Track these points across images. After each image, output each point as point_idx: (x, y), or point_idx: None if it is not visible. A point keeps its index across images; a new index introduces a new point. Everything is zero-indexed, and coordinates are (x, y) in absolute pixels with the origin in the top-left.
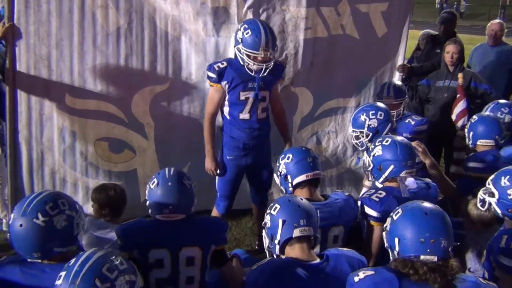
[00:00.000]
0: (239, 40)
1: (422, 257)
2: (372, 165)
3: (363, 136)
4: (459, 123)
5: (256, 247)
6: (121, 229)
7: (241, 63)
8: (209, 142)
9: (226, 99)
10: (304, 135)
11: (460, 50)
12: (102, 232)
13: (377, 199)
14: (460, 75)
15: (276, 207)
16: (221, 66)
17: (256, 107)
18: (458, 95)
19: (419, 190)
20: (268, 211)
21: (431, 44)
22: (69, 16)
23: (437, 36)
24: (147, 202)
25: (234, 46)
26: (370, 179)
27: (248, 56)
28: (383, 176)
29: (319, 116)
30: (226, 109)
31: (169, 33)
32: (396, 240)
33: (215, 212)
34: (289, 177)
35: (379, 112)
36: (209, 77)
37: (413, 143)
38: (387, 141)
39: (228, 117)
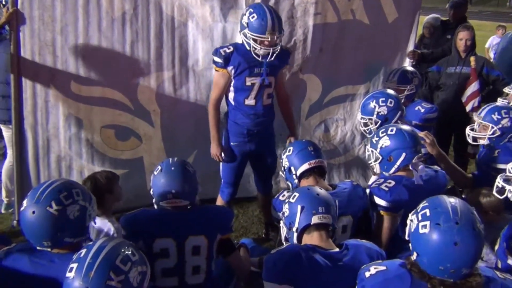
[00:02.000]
0: (245, 25)
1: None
2: (380, 157)
3: (371, 123)
4: (469, 106)
5: (263, 236)
6: (125, 219)
7: (248, 48)
8: (214, 128)
9: (232, 84)
10: (312, 122)
11: (473, 37)
12: None
13: (386, 189)
14: (472, 58)
15: (295, 195)
16: (228, 51)
17: (262, 93)
18: (470, 78)
19: (429, 177)
20: (286, 200)
21: (441, 30)
22: (74, 1)
23: (448, 21)
24: (151, 191)
25: (240, 31)
26: (376, 171)
27: (255, 40)
28: (395, 166)
29: (327, 104)
30: (231, 95)
31: (175, 18)
32: (415, 254)
33: (219, 200)
34: (292, 168)
35: (389, 100)
36: (214, 62)
37: (421, 134)
38: (392, 130)
39: (232, 102)
